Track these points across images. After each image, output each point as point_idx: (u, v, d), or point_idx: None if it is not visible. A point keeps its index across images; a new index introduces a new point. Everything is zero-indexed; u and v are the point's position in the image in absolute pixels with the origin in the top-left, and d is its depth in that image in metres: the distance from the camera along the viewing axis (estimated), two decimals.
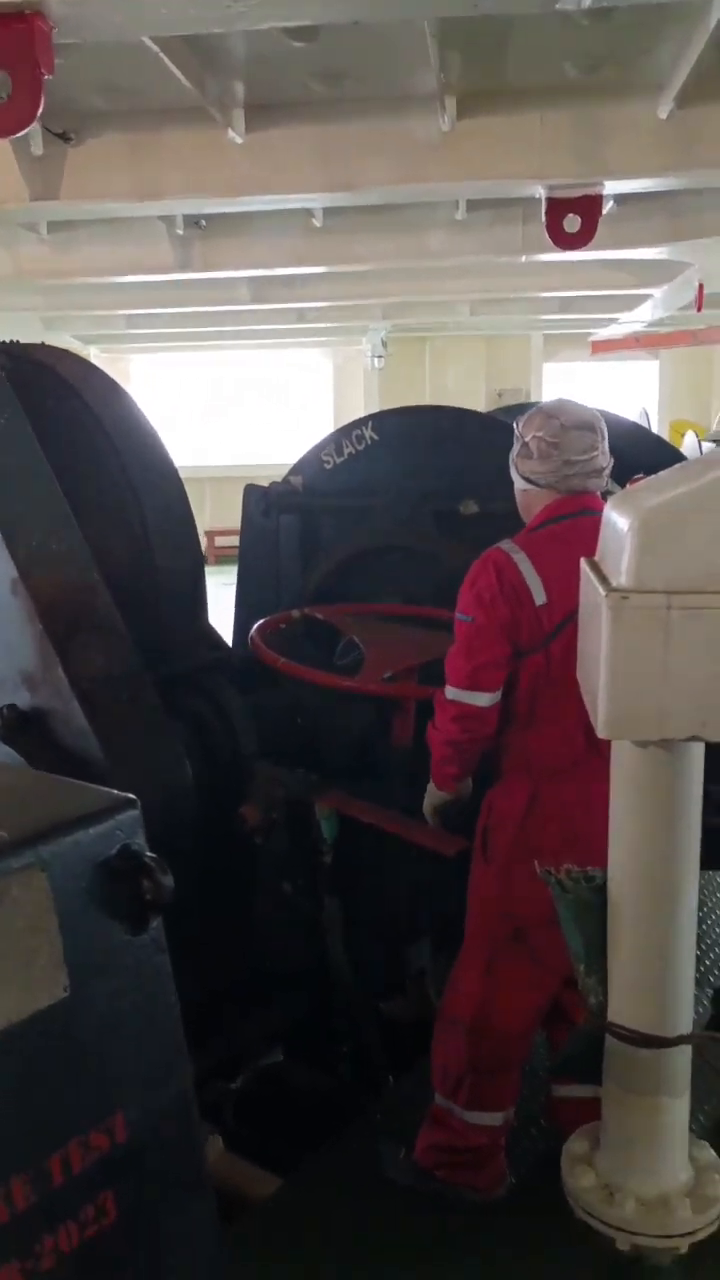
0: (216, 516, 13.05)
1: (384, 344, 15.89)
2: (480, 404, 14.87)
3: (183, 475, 3.73)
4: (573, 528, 2.67)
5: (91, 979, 1.03)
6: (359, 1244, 2.70)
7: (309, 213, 7.46)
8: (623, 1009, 1.79)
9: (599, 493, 2.77)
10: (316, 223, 7.62)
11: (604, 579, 1.61)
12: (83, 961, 1.02)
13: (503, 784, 2.75)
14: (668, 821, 1.69)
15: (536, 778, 2.69)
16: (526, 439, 2.77)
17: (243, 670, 3.58)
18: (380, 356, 16.12)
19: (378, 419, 4.44)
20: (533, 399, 15.92)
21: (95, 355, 16.60)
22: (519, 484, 2.83)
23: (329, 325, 14.02)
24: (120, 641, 3.00)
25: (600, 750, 2.56)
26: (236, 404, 18.16)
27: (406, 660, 3.33)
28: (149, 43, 4.22)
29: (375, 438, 4.34)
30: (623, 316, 12.97)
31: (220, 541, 12.74)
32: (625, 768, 1.72)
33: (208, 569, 3.77)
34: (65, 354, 3.85)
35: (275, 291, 10.24)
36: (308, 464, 4.55)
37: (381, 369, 16.34)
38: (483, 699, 2.64)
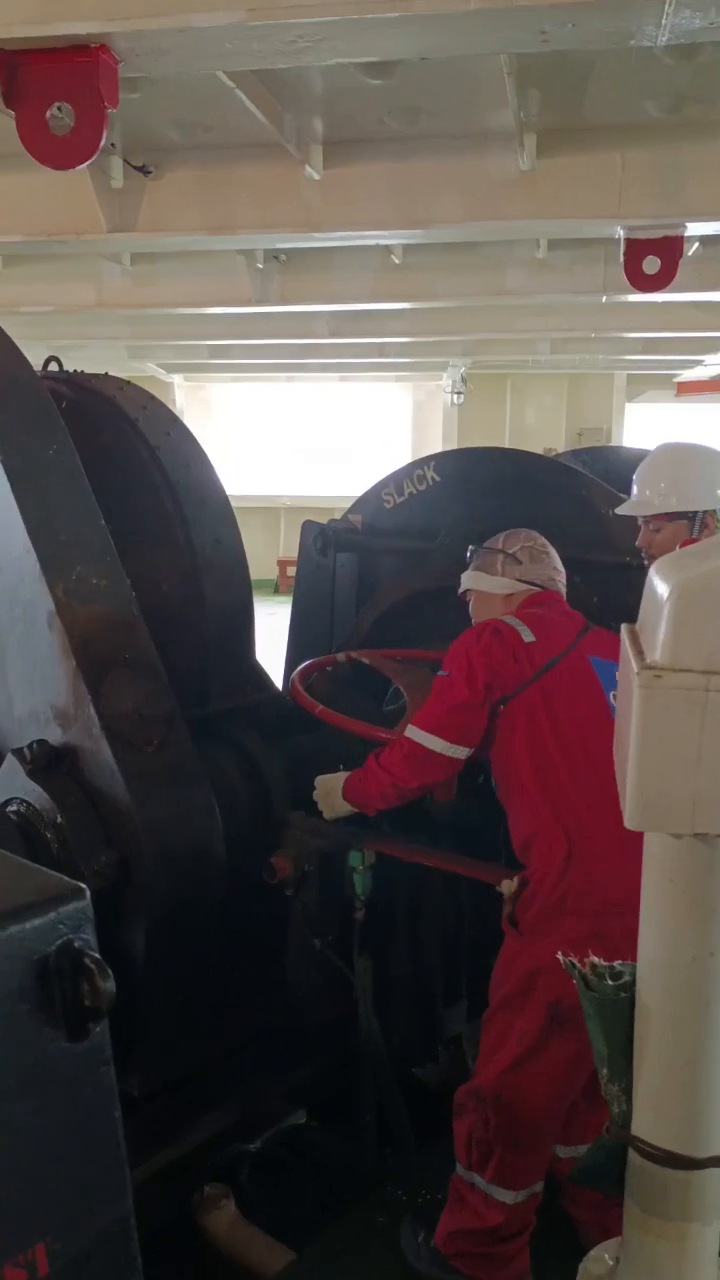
0: (290, 547, 13.10)
1: (464, 380, 15.84)
2: (561, 443, 14.69)
3: (258, 504, 3.72)
4: (553, 611, 2.92)
5: (16, 1092, 0.93)
6: None
7: (388, 249, 7.46)
8: (647, 1122, 1.62)
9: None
10: (396, 259, 7.61)
11: (639, 652, 1.47)
12: (7, 1071, 0.92)
13: (538, 849, 2.60)
14: (703, 920, 1.53)
15: (572, 832, 2.56)
16: (513, 550, 3.03)
17: (287, 714, 3.49)
18: (460, 393, 16.07)
19: (440, 459, 4.34)
20: (613, 440, 15.71)
21: (179, 384, 16.85)
22: (503, 590, 2.99)
23: (408, 360, 14.03)
24: (155, 681, 2.93)
25: None
26: (316, 436, 18.24)
27: None
28: (224, 78, 4.22)
29: (437, 478, 4.24)
30: (709, 358, 12.72)
31: (292, 572, 12.77)
32: (656, 859, 1.56)
33: (278, 599, 3.71)
34: (126, 385, 3.83)
35: (354, 326, 10.27)
36: (368, 502, 4.47)
37: (461, 405, 16.28)
38: (437, 744, 2.70)
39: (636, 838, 2.49)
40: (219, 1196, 3.04)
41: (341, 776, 2.96)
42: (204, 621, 3.46)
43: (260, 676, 3.72)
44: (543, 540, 3.08)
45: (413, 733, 2.74)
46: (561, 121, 5.20)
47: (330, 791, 2.97)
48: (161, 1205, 2.92)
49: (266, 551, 14.18)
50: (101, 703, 2.78)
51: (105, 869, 2.72)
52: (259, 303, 7.92)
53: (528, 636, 2.72)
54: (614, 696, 2.61)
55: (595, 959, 1.69)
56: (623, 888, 2.45)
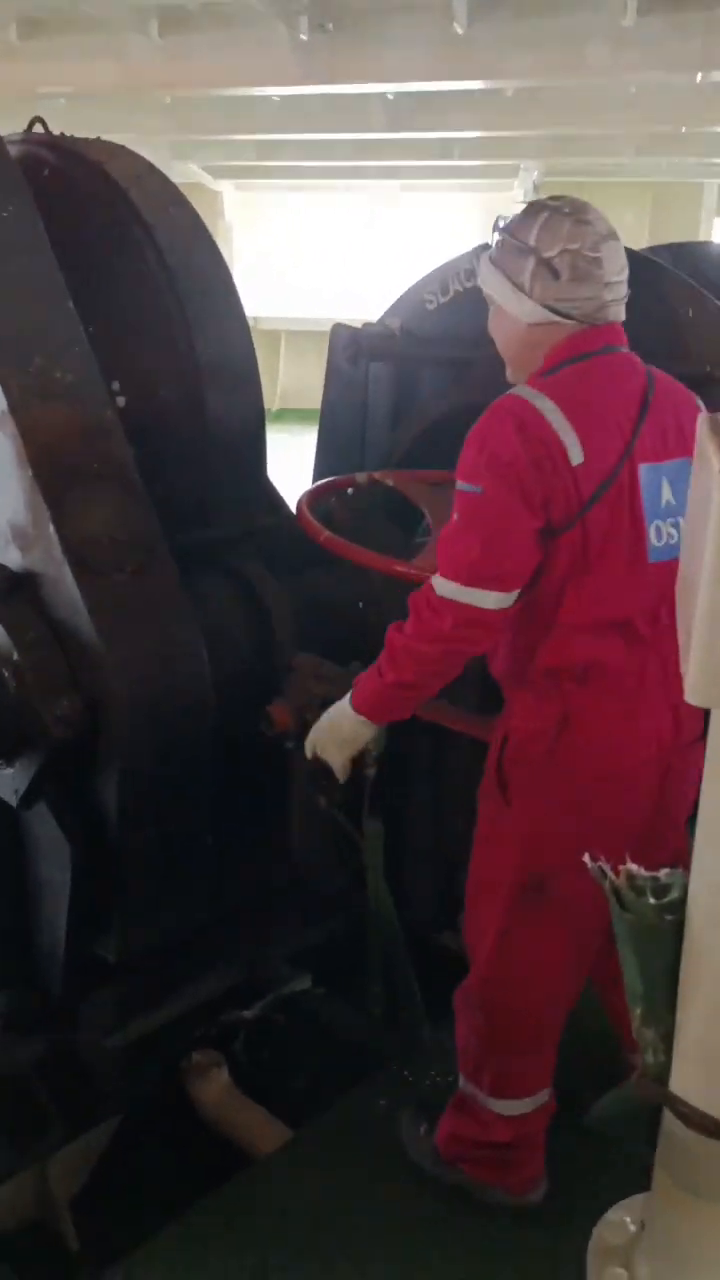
0: None
1: (536, 189, 14.59)
2: None
3: (313, 329, 3.17)
4: (603, 365, 2.03)
5: None
6: (353, 1227, 2.33)
7: (450, 15, 6.52)
8: (690, 1081, 1.24)
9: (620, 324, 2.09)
10: (458, 28, 6.67)
11: None
12: None
13: (523, 702, 2.08)
14: None
15: (567, 689, 2.02)
16: (551, 254, 1.97)
17: (302, 544, 3.05)
18: None
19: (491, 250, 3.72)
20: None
21: (228, 193, 15.82)
22: (532, 316, 2.02)
23: (476, 164, 12.92)
24: (132, 497, 2.50)
25: (655, 647, 1.99)
26: (377, 253, 17.10)
27: None
28: None
29: None
30: None
31: None
32: None
33: None
34: (121, 150, 3.25)
35: (414, 118, 9.27)
36: (407, 304, 3.89)
37: None
38: (489, 599, 1.92)
39: (639, 707, 2.00)
40: (210, 1064, 2.81)
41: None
42: (205, 433, 3.00)
43: (273, 500, 3.27)
44: (596, 233, 1.98)
45: (450, 589, 1.96)
46: None
47: (338, 721, 2.22)
48: (147, 1074, 2.71)
49: (322, 377, 13.39)
50: (64, 521, 2.36)
51: (71, 715, 2.36)
52: (304, 80, 7.05)
53: (575, 457, 1.92)
54: (655, 530, 1.98)
55: (634, 866, 1.27)
56: (615, 759, 2.02)
